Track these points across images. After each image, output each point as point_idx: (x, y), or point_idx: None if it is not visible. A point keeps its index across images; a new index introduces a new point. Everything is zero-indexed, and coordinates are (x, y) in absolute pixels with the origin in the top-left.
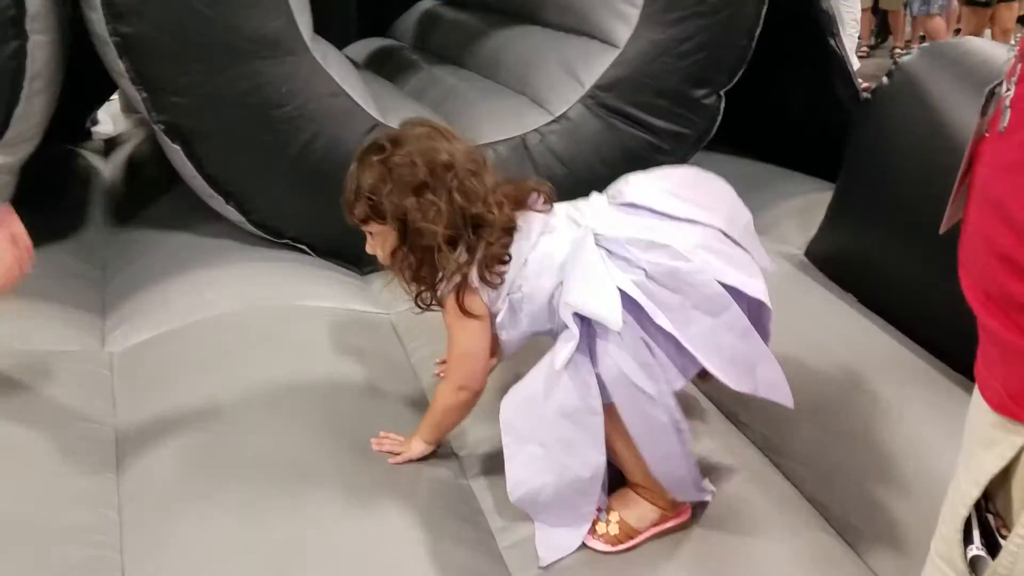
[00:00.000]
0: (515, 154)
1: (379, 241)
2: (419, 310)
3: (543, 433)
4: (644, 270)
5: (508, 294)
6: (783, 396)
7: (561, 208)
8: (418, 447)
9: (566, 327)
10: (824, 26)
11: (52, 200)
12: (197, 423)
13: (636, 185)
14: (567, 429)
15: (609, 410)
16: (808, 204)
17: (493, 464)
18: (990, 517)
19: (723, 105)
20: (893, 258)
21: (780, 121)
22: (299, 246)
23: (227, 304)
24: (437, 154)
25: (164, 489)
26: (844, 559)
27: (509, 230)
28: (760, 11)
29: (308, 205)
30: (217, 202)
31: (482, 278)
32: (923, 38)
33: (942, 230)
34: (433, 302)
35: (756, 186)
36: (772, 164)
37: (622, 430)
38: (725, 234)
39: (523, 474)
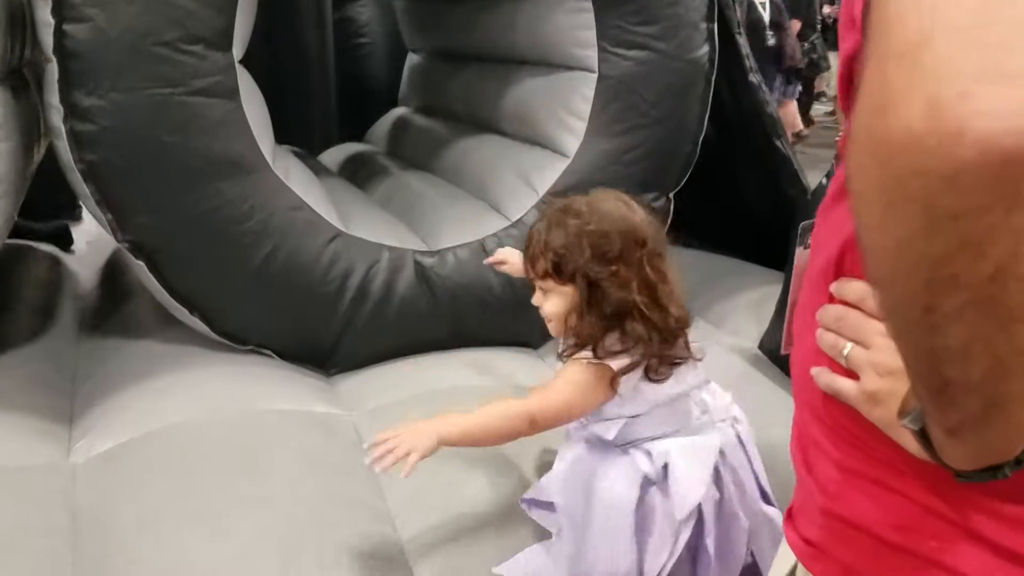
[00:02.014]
0: (475, 257)
1: (552, 299)
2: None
3: (589, 518)
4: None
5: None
6: None
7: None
8: (429, 443)
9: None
10: (769, 128)
11: (24, 306)
12: (157, 540)
13: None
14: (608, 519)
15: None
16: (762, 297)
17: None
18: None
19: (672, 207)
20: None
21: (736, 215)
22: (264, 352)
23: (191, 411)
24: (634, 230)
25: None
26: None
27: (681, 327)
28: (703, 119)
29: (272, 313)
30: (182, 313)
31: (648, 374)
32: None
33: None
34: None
35: (712, 278)
36: (731, 255)
37: None
38: None
39: (575, 552)
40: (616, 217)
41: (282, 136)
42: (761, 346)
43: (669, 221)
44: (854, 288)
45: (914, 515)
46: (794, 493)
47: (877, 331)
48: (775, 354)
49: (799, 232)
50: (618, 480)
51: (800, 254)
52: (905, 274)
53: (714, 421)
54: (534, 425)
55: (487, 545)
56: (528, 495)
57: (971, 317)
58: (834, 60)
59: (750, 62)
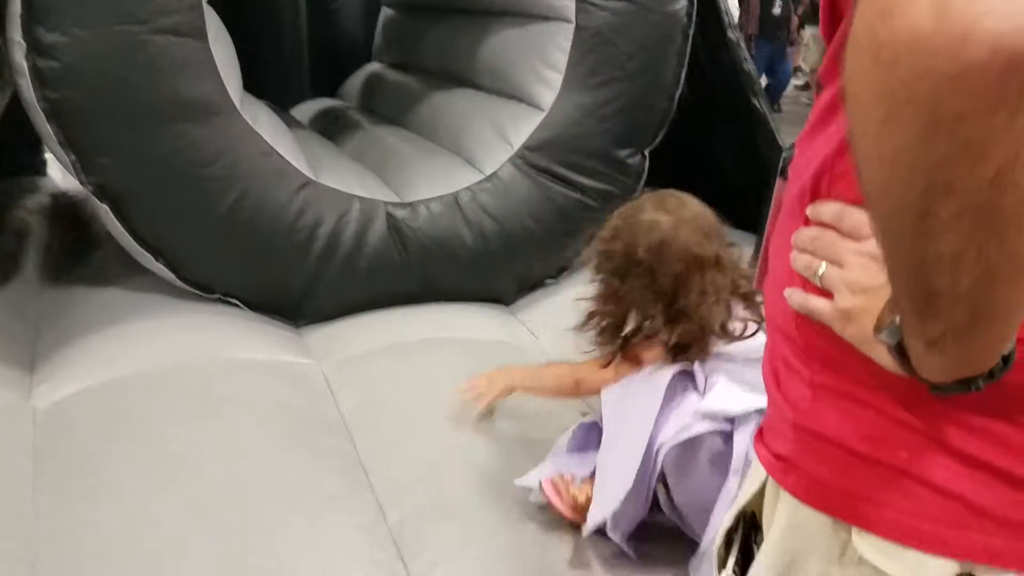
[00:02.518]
0: (448, 210)
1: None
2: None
3: (625, 397)
4: None
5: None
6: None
7: None
8: (503, 387)
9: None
10: (747, 87)
11: None
12: (119, 483)
13: None
14: (641, 392)
15: None
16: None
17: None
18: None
19: (647, 164)
20: None
21: (710, 176)
22: (231, 301)
23: (155, 359)
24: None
25: (79, 546)
26: None
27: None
28: (679, 75)
29: (239, 262)
30: (147, 259)
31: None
32: None
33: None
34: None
35: None
36: None
37: None
38: None
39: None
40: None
41: (252, 91)
42: None
43: (644, 179)
44: (829, 209)
45: (884, 427)
46: (765, 413)
47: (851, 250)
48: None
49: (781, 163)
50: (660, 369)
51: (779, 185)
52: (903, 181)
53: None
54: (578, 388)
55: (455, 487)
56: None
57: (967, 224)
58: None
59: (729, 19)
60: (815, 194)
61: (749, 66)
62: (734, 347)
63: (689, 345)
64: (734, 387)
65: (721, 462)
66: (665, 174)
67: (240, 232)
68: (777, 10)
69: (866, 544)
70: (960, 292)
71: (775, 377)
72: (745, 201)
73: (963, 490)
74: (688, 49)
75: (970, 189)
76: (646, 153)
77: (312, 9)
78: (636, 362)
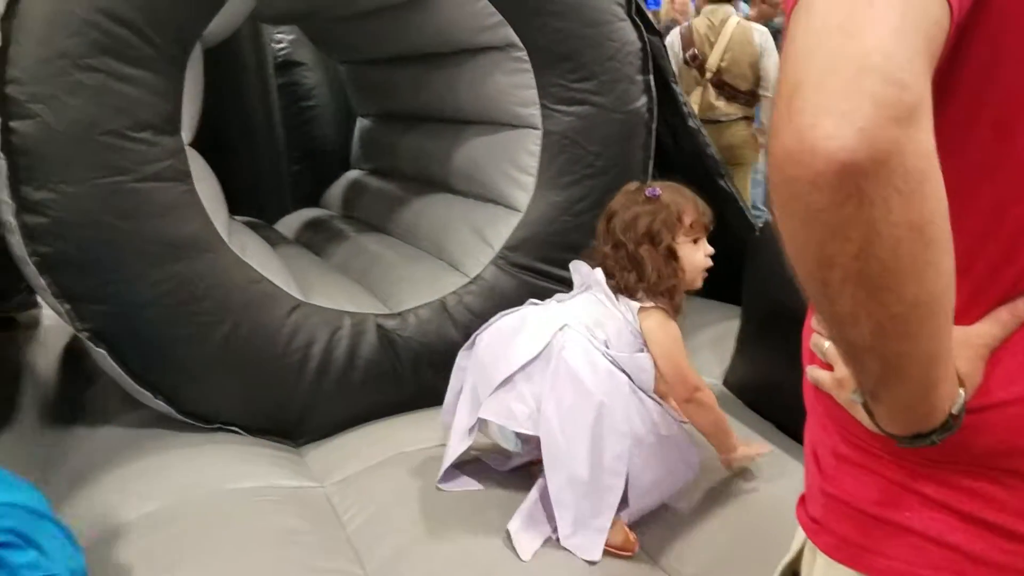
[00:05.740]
0: (436, 315)
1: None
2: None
3: None
4: None
5: None
6: None
7: None
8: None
9: None
10: (712, 170)
11: None
12: None
13: None
14: None
15: None
16: (723, 333)
17: None
18: None
19: None
20: (797, 384)
21: None
22: (230, 428)
23: (161, 499)
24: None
25: None
26: None
27: None
28: (647, 166)
29: (237, 390)
30: (146, 397)
31: None
32: None
33: None
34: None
35: None
36: (687, 294)
37: None
38: None
39: None
40: None
41: (236, 207)
42: (725, 382)
43: None
44: None
45: (889, 491)
46: (805, 483)
47: None
48: (739, 389)
49: None
50: None
51: None
52: (801, 257)
53: None
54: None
55: None
56: None
57: (850, 288)
58: None
59: (688, 108)
60: None
61: (711, 150)
62: None
63: None
64: None
65: None
66: None
67: (236, 361)
68: None
69: None
70: (866, 343)
71: (812, 450)
72: (724, 275)
73: (958, 541)
74: (652, 141)
75: (844, 262)
76: None
77: (288, 120)
78: None
